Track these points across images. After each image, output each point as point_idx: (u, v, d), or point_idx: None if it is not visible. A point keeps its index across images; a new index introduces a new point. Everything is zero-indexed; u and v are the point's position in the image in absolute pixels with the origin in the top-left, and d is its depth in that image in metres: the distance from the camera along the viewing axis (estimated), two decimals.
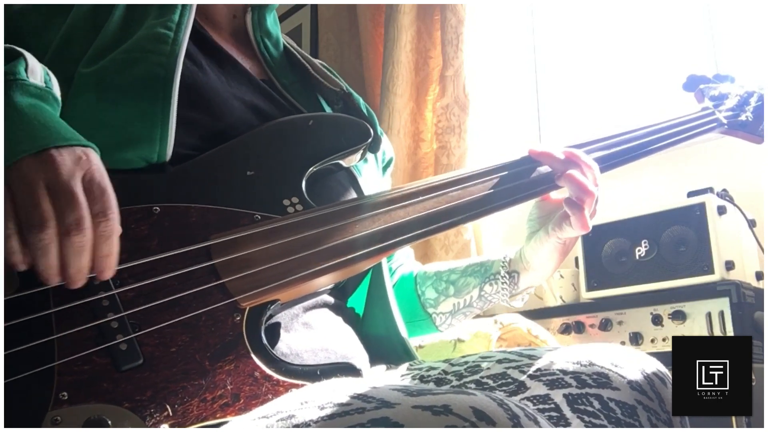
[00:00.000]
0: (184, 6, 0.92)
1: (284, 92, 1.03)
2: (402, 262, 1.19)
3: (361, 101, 1.07)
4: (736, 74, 1.33)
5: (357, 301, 1.02)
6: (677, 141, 1.15)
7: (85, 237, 0.66)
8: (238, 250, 0.78)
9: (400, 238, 0.86)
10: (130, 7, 0.92)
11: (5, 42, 0.86)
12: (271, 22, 1.08)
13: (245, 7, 1.06)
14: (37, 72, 0.76)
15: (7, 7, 0.88)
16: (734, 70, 1.34)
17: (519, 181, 0.98)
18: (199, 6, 0.99)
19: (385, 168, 1.18)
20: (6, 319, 0.66)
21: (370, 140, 0.95)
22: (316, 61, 1.12)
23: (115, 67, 0.83)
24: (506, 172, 0.98)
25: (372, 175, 1.07)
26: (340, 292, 0.98)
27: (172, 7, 0.92)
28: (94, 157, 0.71)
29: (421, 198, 0.90)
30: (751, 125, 1.25)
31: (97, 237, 0.67)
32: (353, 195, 0.97)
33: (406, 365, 0.96)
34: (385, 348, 0.97)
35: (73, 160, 0.68)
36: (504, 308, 2.19)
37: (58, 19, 0.89)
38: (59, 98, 0.77)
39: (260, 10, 1.06)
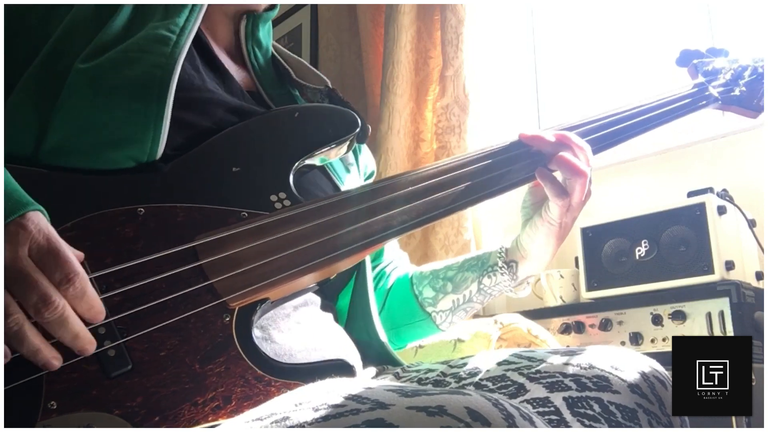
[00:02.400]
0: (191, 11, 0.91)
1: (270, 104, 1.02)
2: (396, 264, 1.18)
3: (346, 101, 1.05)
4: (732, 48, 1.31)
5: (341, 307, 1.02)
6: (671, 118, 1.14)
7: (57, 308, 0.63)
8: (225, 249, 0.77)
9: (392, 230, 0.85)
10: (136, 7, 0.91)
11: (12, 30, 0.85)
12: (264, 33, 1.07)
13: (241, 17, 1.05)
14: None
15: (7, 6, 0.87)
16: (732, 46, 1.32)
17: (510, 167, 0.96)
18: (204, 18, 0.98)
19: (366, 180, 1.16)
20: None
21: (357, 130, 0.93)
22: (299, 60, 1.11)
23: (112, 66, 0.82)
24: (497, 158, 0.96)
25: (354, 184, 1.05)
26: (329, 290, 0.97)
27: (177, 11, 0.90)
28: (32, 223, 0.66)
29: (410, 188, 0.89)
30: (744, 99, 1.22)
31: (70, 300, 0.65)
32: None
33: (403, 367, 0.96)
34: (368, 353, 0.96)
35: (10, 239, 0.64)
36: (504, 308, 2.19)
37: (62, 9, 0.88)
38: None
39: (254, 20, 1.04)
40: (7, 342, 0.62)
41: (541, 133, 0.98)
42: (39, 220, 0.67)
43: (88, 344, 0.66)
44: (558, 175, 0.97)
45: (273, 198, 0.84)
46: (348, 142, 0.94)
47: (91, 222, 0.74)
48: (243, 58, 1.05)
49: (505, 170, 0.96)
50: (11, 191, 0.68)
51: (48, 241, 0.65)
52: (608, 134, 1.06)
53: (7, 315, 0.62)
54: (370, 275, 1.00)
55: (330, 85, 1.05)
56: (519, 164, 0.97)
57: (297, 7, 3.25)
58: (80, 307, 0.66)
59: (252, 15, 1.04)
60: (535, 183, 1.01)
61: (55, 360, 0.64)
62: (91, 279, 0.69)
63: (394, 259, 1.18)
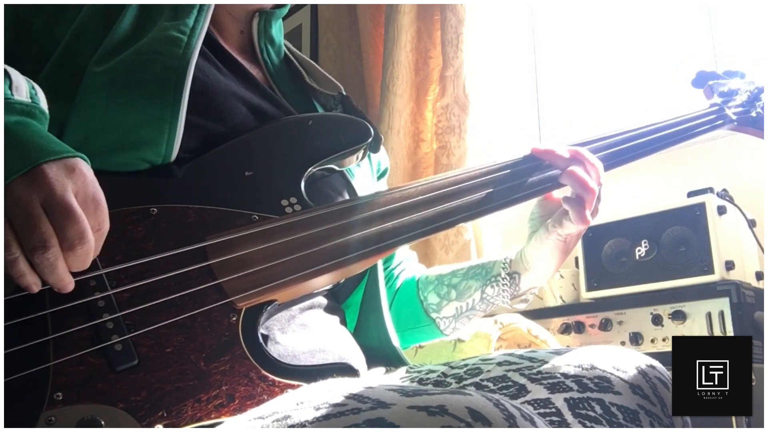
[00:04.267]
0: (199, 11, 0.91)
1: (284, 100, 1.02)
2: (405, 266, 1.18)
3: (359, 109, 1.05)
4: (743, 69, 1.31)
5: (352, 308, 1.02)
6: (686, 137, 1.14)
7: (88, 246, 0.66)
8: (234, 251, 0.78)
9: (400, 237, 0.86)
10: (143, 6, 0.91)
11: (18, 37, 0.86)
12: (276, 30, 1.07)
13: (252, 16, 1.05)
14: (21, 88, 0.74)
15: (7, 7, 0.87)
16: (734, 64, 1.33)
17: (521, 180, 0.96)
18: (215, 16, 0.98)
19: (379, 178, 1.16)
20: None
21: (370, 140, 0.94)
22: (312, 63, 1.11)
23: (127, 68, 0.82)
24: (508, 171, 0.96)
25: (366, 183, 1.06)
26: (337, 294, 0.97)
27: (186, 11, 0.91)
28: (85, 168, 0.70)
29: (420, 198, 0.90)
30: (761, 121, 1.22)
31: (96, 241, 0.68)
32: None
33: (404, 368, 0.96)
34: (378, 355, 0.97)
35: (64, 173, 0.68)
36: (504, 308, 2.19)
37: (71, 12, 0.88)
38: (46, 111, 0.76)
39: (267, 17, 1.05)
40: (39, 270, 0.65)
41: (554, 148, 0.99)
42: (90, 169, 0.71)
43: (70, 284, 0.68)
44: (567, 190, 0.98)
45: (284, 203, 0.85)
46: (360, 152, 0.95)
47: None
48: (255, 55, 1.05)
49: (516, 183, 0.96)
50: (65, 144, 0.71)
51: (95, 190, 0.69)
52: (621, 151, 1.06)
53: (48, 247, 0.64)
54: (381, 276, 1.00)
55: (344, 92, 1.05)
56: (531, 177, 0.97)
57: (297, 7, 3.25)
58: (96, 251, 0.69)
59: (264, 12, 1.05)
60: (546, 196, 1.02)
61: (70, 285, 0.67)
62: (101, 275, 0.72)
63: (404, 260, 1.18)
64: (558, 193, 1.02)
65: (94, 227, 0.68)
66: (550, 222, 1.00)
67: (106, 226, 0.69)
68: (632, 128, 1.09)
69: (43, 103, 0.76)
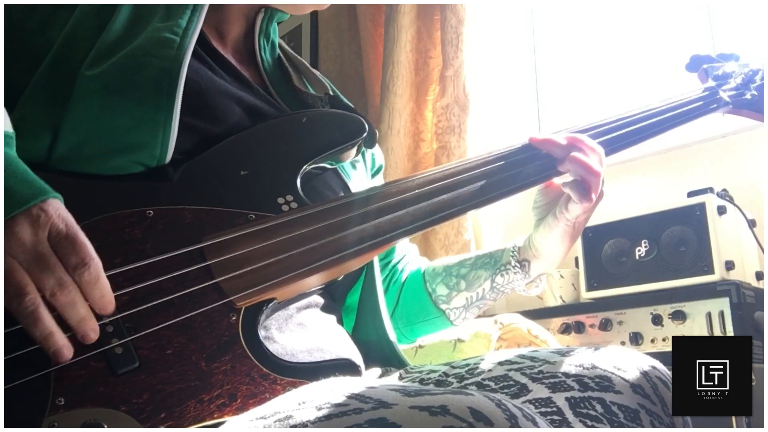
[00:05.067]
0: (192, 12, 0.90)
1: (279, 99, 1.02)
2: (408, 260, 1.18)
3: (350, 105, 1.05)
4: (739, 52, 1.30)
5: (350, 310, 1.02)
6: (681, 122, 1.13)
7: (71, 293, 0.65)
8: (232, 250, 0.77)
9: (398, 231, 0.85)
10: (135, 8, 0.90)
11: (10, 39, 0.85)
12: (272, 29, 1.07)
13: (256, 13, 1.05)
14: None
15: (7, 6, 0.87)
16: (732, 49, 1.32)
17: (518, 169, 0.96)
18: (209, 17, 0.97)
19: (374, 175, 1.16)
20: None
21: (365, 134, 0.94)
22: (303, 62, 1.11)
23: (119, 72, 0.82)
24: (505, 161, 0.96)
25: (362, 181, 1.06)
26: (336, 290, 0.97)
27: (179, 12, 0.90)
28: (53, 208, 0.67)
29: (418, 191, 0.89)
30: (756, 103, 1.21)
31: (83, 286, 0.66)
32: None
33: (405, 369, 0.96)
34: (376, 353, 0.97)
35: (31, 223, 0.66)
36: (504, 308, 2.19)
37: (64, 14, 0.88)
38: (11, 131, 0.74)
39: (271, 14, 1.05)
40: (22, 323, 0.63)
41: (552, 136, 0.98)
42: (59, 207, 0.68)
43: (92, 331, 0.67)
44: (567, 177, 0.97)
45: (280, 200, 0.84)
46: (355, 147, 0.94)
47: (100, 224, 0.74)
48: (251, 54, 1.05)
49: (514, 172, 0.95)
50: (32, 180, 0.69)
51: (67, 227, 0.67)
52: (618, 137, 1.05)
53: (24, 294, 0.63)
54: (378, 273, 1.00)
55: (331, 92, 1.05)
56: (529, 167, 0.97)
57: None
58: (93, 294, 0.67)
59: (269, 9, 1.04)
60: (547, 184, 1.02)
61: (66, 349, 0.65)
62: None
63: (406, 253, 1.18)
64: (559, 180, 1.02)
65: (78, 265, 0.65)
66: (557, 209, 1.00)
67: (93, 260, 0.66)
68: (627, 114, 1.09)
69: (4, 122, 0.74)
